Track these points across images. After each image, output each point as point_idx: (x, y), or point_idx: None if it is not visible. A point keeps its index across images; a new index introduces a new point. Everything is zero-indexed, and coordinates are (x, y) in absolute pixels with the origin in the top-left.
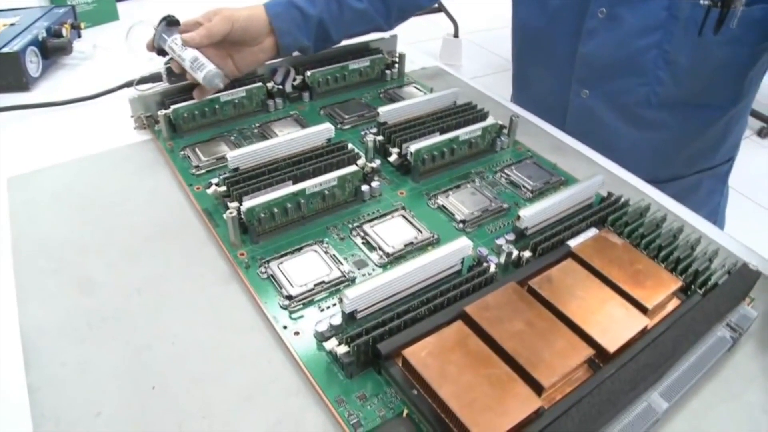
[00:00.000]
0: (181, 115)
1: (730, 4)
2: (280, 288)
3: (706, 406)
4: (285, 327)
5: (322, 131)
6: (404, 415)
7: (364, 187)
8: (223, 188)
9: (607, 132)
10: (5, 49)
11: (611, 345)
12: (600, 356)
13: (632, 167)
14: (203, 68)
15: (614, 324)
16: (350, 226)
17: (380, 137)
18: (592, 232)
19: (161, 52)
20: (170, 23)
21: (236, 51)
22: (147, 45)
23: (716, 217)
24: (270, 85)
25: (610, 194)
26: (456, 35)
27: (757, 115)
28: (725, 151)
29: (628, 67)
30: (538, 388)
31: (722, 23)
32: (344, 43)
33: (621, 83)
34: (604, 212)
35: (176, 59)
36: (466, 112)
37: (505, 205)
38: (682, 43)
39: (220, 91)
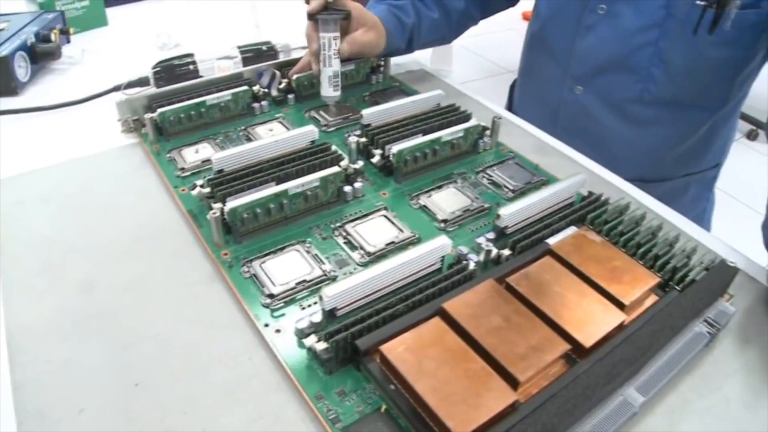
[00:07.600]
0: (168, 118)
1: (724, 6)
2: (263, 287)
3: (684, 400)
4: (266, 325)
5: (306, 133)
6: (382, 410)
7: (347, 188)
8: (207, 189)
9: (599, 129)
10: None
11: (587, 340)
12: (576, 351)
13: (622, 165)
14: (338, 88)
15: (591, 319)
16: (333, 226)
17: (363, 139)
18: (572, 230)
19: (311, 17)
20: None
21: None
22: (310, 9)
23: (701, 224)
24: (256, 88)
25: (590, 193)
26: None
27: (746, 117)
28: (713, 155)
29: (624, 63)
30: (513, 382)
31: (716, 23)
32: None
33: (615, 79)
34: (584, 211)
35: (322, 52)
36: (449, 114)
37: (487, 205)
38: (677, 41)
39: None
